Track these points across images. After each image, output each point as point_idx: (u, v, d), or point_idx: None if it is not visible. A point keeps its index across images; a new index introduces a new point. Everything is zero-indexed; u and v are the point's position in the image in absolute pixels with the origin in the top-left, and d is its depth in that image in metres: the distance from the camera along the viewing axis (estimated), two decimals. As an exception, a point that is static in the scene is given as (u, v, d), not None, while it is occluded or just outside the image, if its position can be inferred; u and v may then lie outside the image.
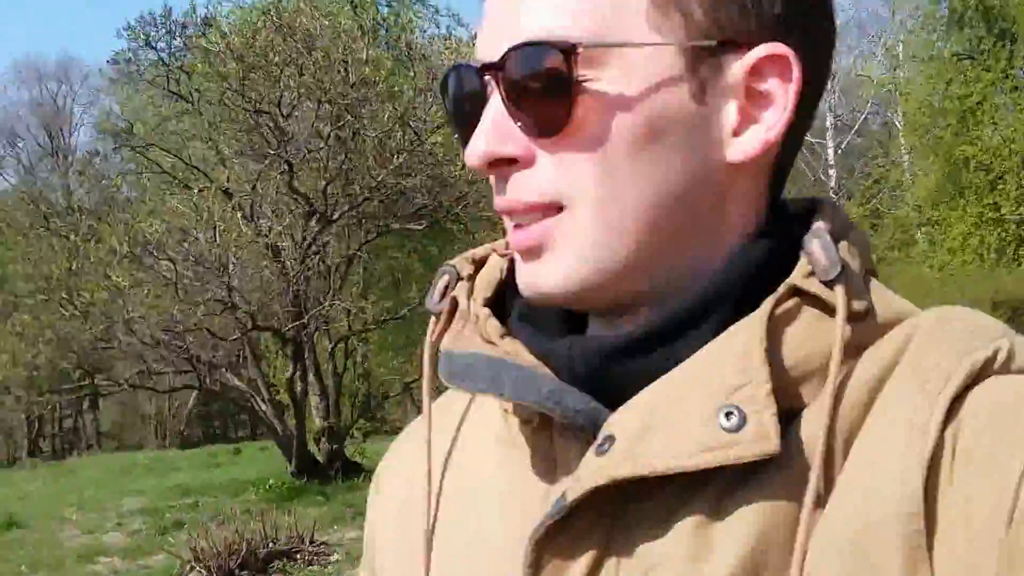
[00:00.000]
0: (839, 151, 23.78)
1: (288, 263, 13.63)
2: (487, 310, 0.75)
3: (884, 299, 0.68)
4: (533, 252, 0.69)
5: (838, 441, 0.63)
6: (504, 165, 0.69)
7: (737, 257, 0.69)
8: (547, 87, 0.66)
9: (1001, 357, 0.63)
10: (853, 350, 0.65)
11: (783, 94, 0.67)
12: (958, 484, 0.60)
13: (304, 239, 13.82)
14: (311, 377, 14.68)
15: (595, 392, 0.68)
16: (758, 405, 0.61)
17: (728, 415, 0.61)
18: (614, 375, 0.67)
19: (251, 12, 15.66)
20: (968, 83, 16.99)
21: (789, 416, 0.63)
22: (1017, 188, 16.45)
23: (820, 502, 0.62)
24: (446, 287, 0.79)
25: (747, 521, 0.62)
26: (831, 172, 23.58)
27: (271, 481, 14.20)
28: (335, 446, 14.32)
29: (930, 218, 18.86)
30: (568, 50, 0.65)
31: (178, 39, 17.35)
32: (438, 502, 0.78)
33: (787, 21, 0.68)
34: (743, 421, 0.61)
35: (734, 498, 0.63)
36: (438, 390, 0.80)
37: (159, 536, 11.80)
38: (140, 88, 18.67)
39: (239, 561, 9.40)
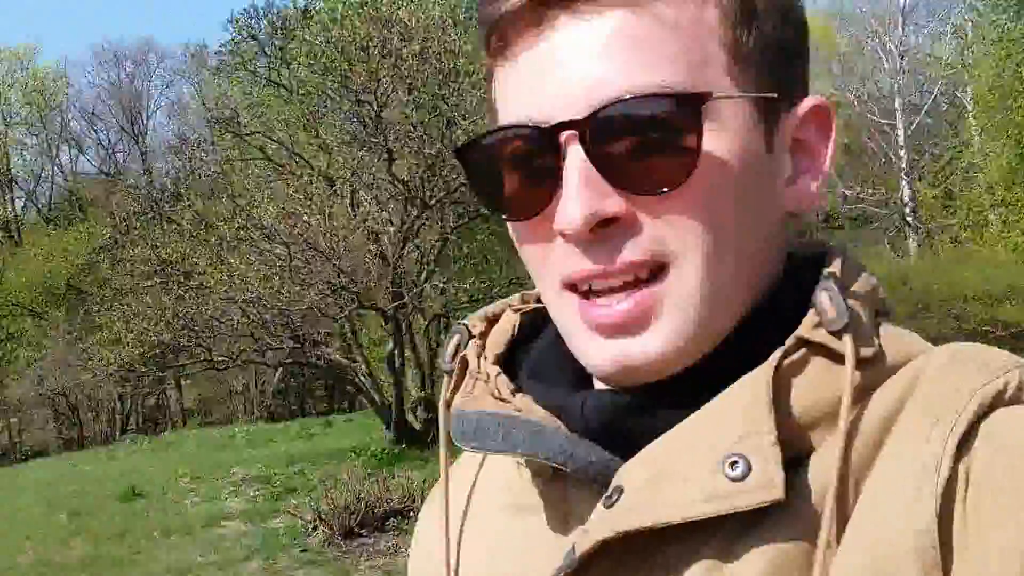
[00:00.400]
0: (908, 132, 23.97)
1: (388, 246, 14.47)
2: (497, 368, 0.76)
3: (893, 342, 0.68)
4: (635, 323, 0.67)
5: (850, 481, 0.63)
6: (603, 226, 0.66)
7: (760, 313, 0.70)
8: (665, 140, 0.65)
9: (1011, 389, 0.63)
10: (862, 393, 0.65)
11: (823, 144, 0.71)
12: (972, 516, 0.59)
13: (403, 223, 14.65)
14: (408, 352, 15.61)
15: (608, 445, 0.68)
16: (763, 454, 0.61)
17: (733, 464, 0.62)
18: (627, 429, 0.68)
19: (348, 4, 16.38)
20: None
21: (797, 461, 0.64)
22: None
23: (834, 541, 0.62)
24: (457, 346, 0.79)
25: (756, 564, 0.62)
26: (902, 153, 23.77)
27: (372, 448, 15.17)
28: (430, 415, 15.17)
29: (1003, 199, 19.10)
30: (696, 99, 0.65)
31: (279, 32, 18.17)
32: (457, 561, 0.80)
33: (805, 76, 0.72)
34: (748, 470, 0.61)
35: (742, 543, 0.63)
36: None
37: (275, 500, 12.72)
38: (241, 78, 19.59)
39: (358, 520, 10.26)
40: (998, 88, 18.95)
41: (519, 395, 0.73)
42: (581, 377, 0.73)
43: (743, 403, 0.64)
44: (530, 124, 0.67)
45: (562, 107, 0.66)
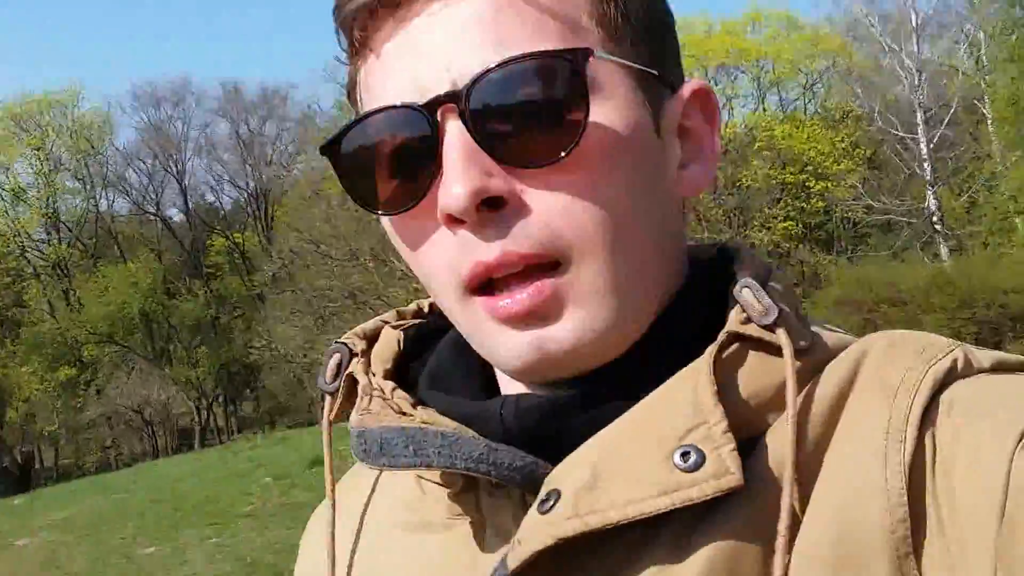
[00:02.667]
0: (932, 144, 25.12)
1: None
2: (391, 383, 0.72)
3: (823, 333, 0.68)
4: (539, 313, 0.63)
5: (805, 460, 0.61)
6: (491, 208, 0.62)
7: (676, 308, 0.67)
8: (549, 106, 0.61)
9: (960, 364, 0.62)
10: (806, 376, 0.63)
11: (708, 127, 0.69)
12: (942, 486, 0.58)
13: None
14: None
15: (530, 449, 0.64)
16: (716, 442, 0.59)
17: (684, 455, 0.59)
18: (552, 432, 0.64)
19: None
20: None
21: (748, 444, 0.62)
22: None
23: (795, 520, 0.59)
24: (339, 365, 0.75)
25: (709, 556, 0.59)
26: (925, 165, 24.94)
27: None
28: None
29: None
30: (579, 55, 0.61)
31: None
32: None
33: (679, 62, 0.70)
34: (701, 459, 0.59)
35: (693, 536, 0.60)
36: (341, 469, 0.76)
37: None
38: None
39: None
40: (1014, 106, 20.12)
41: (420, 408, 0.69)
42: (488, 387, 0.71)
43: (685, 395, 0.61)
44: (400, 104, 0.62)
45: (435, 83, 0.62)
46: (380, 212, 0.67)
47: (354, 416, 0.70)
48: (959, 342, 0.66)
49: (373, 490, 0.79)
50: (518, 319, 0.64)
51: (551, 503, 0.61)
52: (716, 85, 31.39)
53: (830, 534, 0.59)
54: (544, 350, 0.64)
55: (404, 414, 0.69)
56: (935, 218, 24.11)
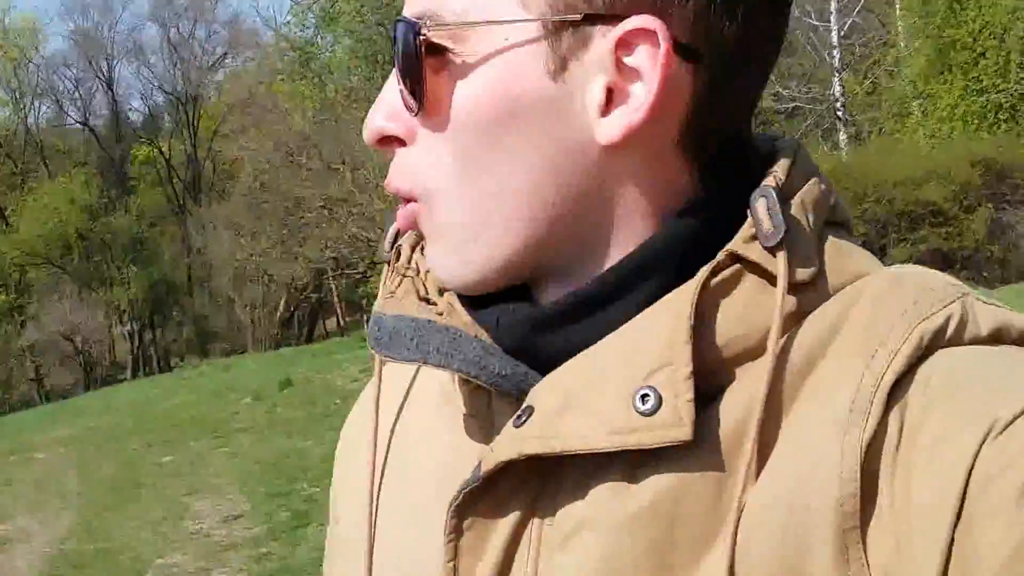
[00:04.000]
0: (842, 32, 26.01)
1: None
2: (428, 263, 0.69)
3: (840, 260, 0.63)
4: (421, 237, 0.68)
5: (771, 412, 0.59)
6: (393, 143, 0.67)
7: (669, 225, 0.64)
8: (411, 64, 0.64)
9: (953, 325, 0.58)
10: (794, 319, 0.60)
11: (652, 70, 0.61)
12: (900, 469, 0.56)
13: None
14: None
15: (527, 359, 0.65)
16: (676, 389, 0.58)
17: (644, 398, 0.59)
18: (540, 347, 0.64)
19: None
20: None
21: (715, 393, 0.60)
22: (995, 64, 18.87)
23: (751, 476, 0.58)
24: (397, 233, 0.74)
25: (658, 487, 0.60)
26: (835, 53, 25.86)
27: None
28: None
29: (923, 92, 21.34)
30: (416, 27, 0.63)
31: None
32: (384, 466, 0.77)
33: None
34: (658, 404, 0.58)
35: (648, 469, 0.60)
36: None
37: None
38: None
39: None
40: (920, -3, 21.09)
41: (447, 295, 0.68)
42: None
43: (663, 326, 0.59)
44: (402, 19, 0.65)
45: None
46: None
47: (379, 299, 0.71)
48: (965, 290, 0.61)
49: (416, 374, 0.80)
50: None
51: (524, 419, 0.62)
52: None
53: (782, 501, 0.57)
54: (434, 270, 0.68)
55: (427, 301, 0.68)
56: (838, 104, 25.14)
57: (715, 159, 0.65)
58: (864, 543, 0.56)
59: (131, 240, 35.38)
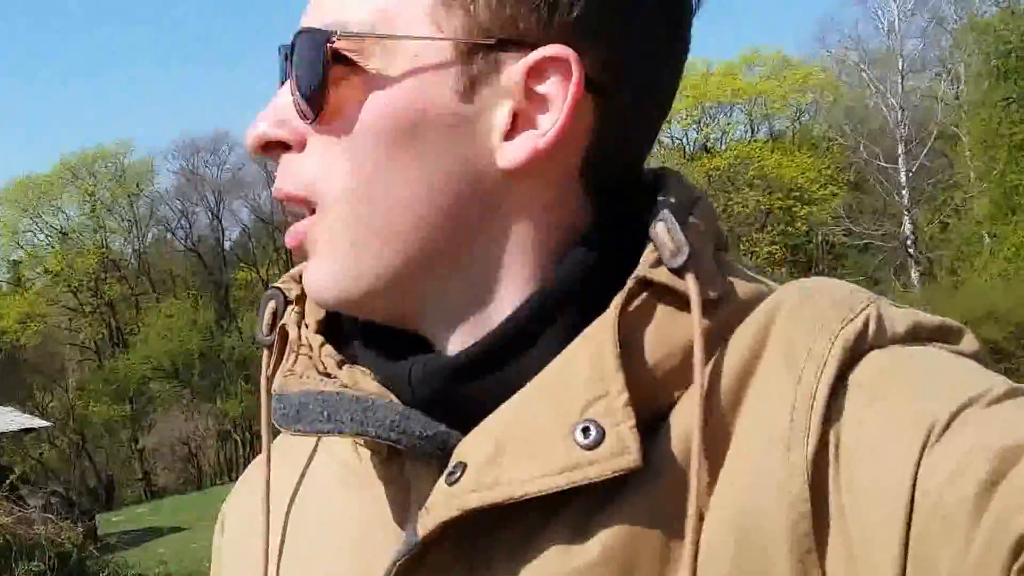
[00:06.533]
0: (910, 174, 27.63)
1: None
2: (320, 337, 0.69)
3: (740, 278, 0.64)
4: (301, 252, 0.66)
5: (711, 438, 0.58)
6: (278, 149, 0.66)
7: (568, 259, 0.63)
8: (313, 72, 0.63)
9: (872, 328, 0.59)
10: (716, 339, 0.60)
11: (561, 99, 0.62)
12: (845, 481, 0.55)
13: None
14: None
15: (446, 416, 0.63)
16: (615, 417, 0.57)
17: (585, 431, 0.57)
18: (460, 396, 0.62)
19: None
20: (1013, 123, 21.08)
21: (656, 418, 0.60)
22: None
23: (703, 504, 0.57)
24: (274, 314, 0.72)
25: (614, 534, 0.58)
26: (904, 193, 27.46)
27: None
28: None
29: (990, 232, 22.82)
30: (327, 39, 0.63)
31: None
32: (280, 549, 0.73)
33: (586, 25, 0.62)
34: (601, 436, 0.56)
35: (600, 513, 0.58)
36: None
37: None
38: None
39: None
40: (983, 144, 22.80)
41: (346, 367, 0.66)
42: (415, 339, 0.66)
43: (589, 359, 0.58)
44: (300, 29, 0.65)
45: (302, 21, 0.66)
46: None
47: (278, 378, 0.68)
48: (874, 296, 0.61)
49: (314, 449, 0.76)
50: (294, 252, 0.67)
51: (458, 475, 0.59)
52: (713, 121, 34.01)
53: (733, 522, 0.57)
54: (309, 287, 0.67)
55: (328, 375, 0.66)
56: (909, 242, 26.58)
57: (614, 189, 0.66)
58: (823, 566, 0.55)
59: (241, 357, 38.13)
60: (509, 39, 0.62)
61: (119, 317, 40.70)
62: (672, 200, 0.64)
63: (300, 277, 0.71)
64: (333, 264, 0.65)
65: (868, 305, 0.60)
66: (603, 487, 0.58)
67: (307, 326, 0.71)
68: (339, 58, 0.63)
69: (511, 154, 0.63)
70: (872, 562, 0.53)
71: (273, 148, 0.67)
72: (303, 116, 0.65)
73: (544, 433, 0.59)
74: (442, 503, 0.59)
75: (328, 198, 0.64)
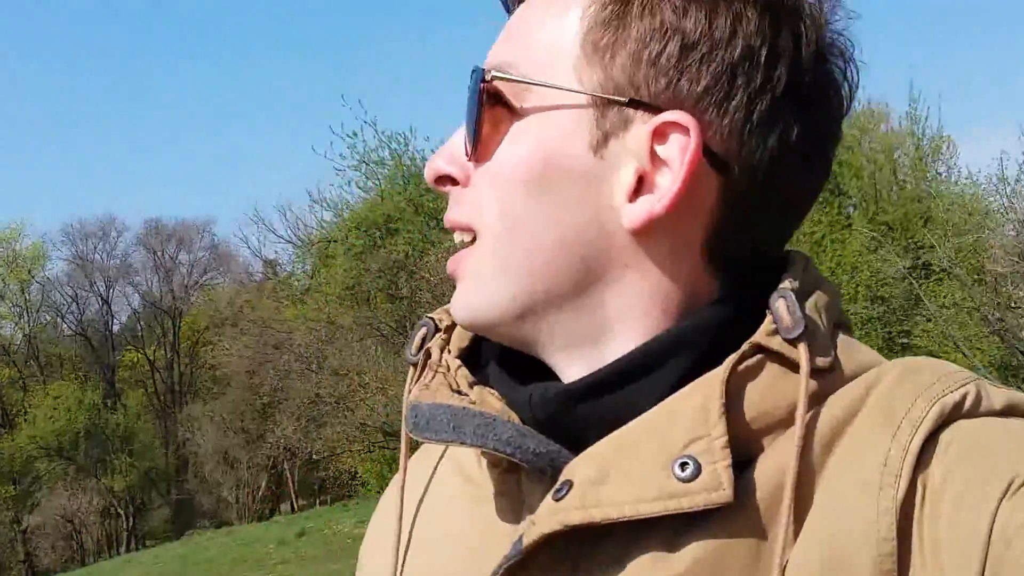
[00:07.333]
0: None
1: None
2: (458, 361, 0.76)
3: (850, 352, 0.69)
4: (454, 277, 0.74)
5: (803, 477, 0.63)
6: (448, 183, 0.73)
7: (691, 318, 0.69)
8: (473, 111, 0.69)
9: (969, 401, 0.63)
10: (816, 399, 0.65)
11: (680, 164, 0.66)
12: (928, 527, 0.60)
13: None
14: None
15: (558, 439, 0.69)
16: (713, 456, 0.62)
17: (683, 466, 0.62)
18: (570, 421, 0.69)
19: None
20: (813, 223, 24.56)
21: (747, 463, 0.64)
22: (849, 293, 23.31)
23: (789, 537, 0.62)
24: (423, 338, 0.80)
25: (697, 555, 0.63)
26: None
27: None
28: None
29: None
30: (482, 78, 0.69)
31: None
32: (407, 549, 0.79)
33: (710, 98, 0.67)
34: (698, 471, 0.62)
35: (687, 536, 0.64)
36: (416, 444, 0.79)
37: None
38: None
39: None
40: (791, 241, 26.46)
41: (477, 387, 0.73)
42: (539, 370, 0.73)
43: (695, 405, 0.64)
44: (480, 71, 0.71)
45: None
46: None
47: (414, 391, 0.75)
48: (976, 375, 0.65)
49: (439, 460, 0.84)
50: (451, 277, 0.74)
51: (564, 492, 0.65)
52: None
53: (820, 559, 0.61)
54: (453, 310, 0.74)
55: (459, 392, 0.73)
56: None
57: (738, 266, 0.71)
58: None
59: (125, 435, 39.33)
60: (639, 100, 0.68)
61: (6, 400, 41.47)
62: (796, 280, 0.69)
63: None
64: (476, 290, 0.72)
65: (970, 382, 0.65)
66: (693, 518, 0.64)
67: (450, 351, 0.78)
68: (492, 98, 0.70)
69: (632, 215, 0.68)
70: None
71: (444, 181, 0.74)
72: (465, 151, 0.72)
73: (646, 463, 0.64)
74: (547, 517, 0.65)
75: (483, 232, 0.71)
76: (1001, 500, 0.58)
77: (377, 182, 20.81)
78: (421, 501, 0.83)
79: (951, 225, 18.62)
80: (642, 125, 0.68)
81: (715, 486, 0.62)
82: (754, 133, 0.68)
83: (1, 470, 37.35)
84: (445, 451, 0.85)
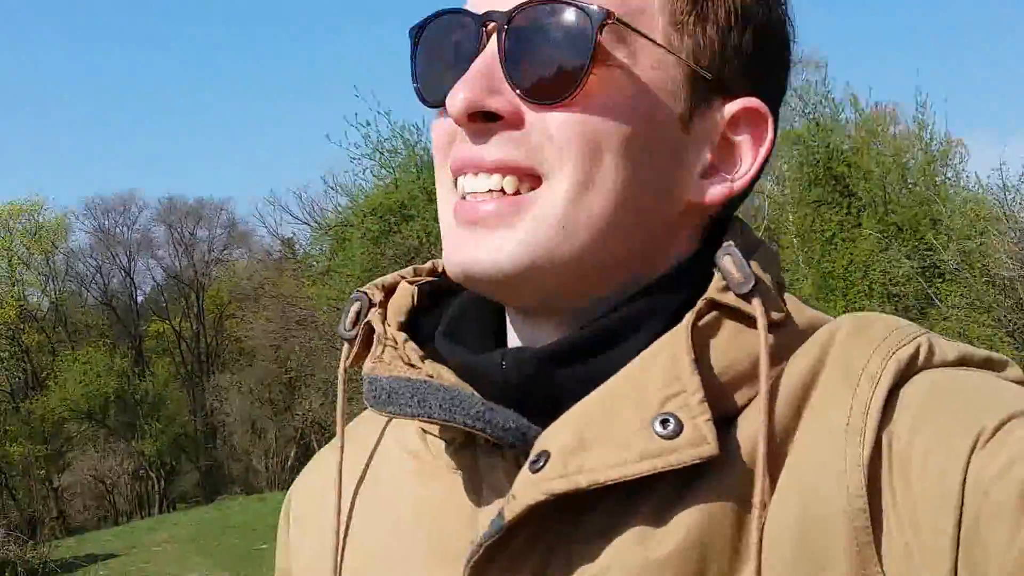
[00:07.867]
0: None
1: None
2: (404, 335, 0.75)
3: (799, 307, 0.71)
4: (491, 221, 0.68)
5: (776, 440, 0.64)
6: (482, 120, 0.68)
7: (668, 279, 0.70)
8: (563, 50, 0.64)
9: (923, 353, 0.66)
10: (778, 356, 0.67)
11: (752, 149, 0.70)
12: (899, 481, 0.61)
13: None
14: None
15: (523, 408, 0.68)
16: (693, 412, 0.62)
17: (664, 423, 0.62)
18: (547, 384, 0.68)
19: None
20: (824, 222, 25.49)
21: (725, 420, 0.65)
22: (862, 290, 23.90)
23: (767, 500, 0.62)
24: (358, 313, 0.78)
25: (688, 523, 0.63)
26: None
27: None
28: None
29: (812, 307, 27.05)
30: (602, 16, 0.64)
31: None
32: (347, 530, 0.77)
33: (776, 87, 0.71)
34: (680, 428, 0.62)
35: (675, 503, 0.64)
36: (349, 416, 0.78)
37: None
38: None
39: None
40: (801, 237, 27.01)
41: (428, 361, 0.72)
42: (496, 339, 0.74)
43: (664, 363, 0.64)
44: (464, 10, 0.69)
45: (498, 1, 0.68)
46: (428, 103, 0.72)
47: (368, 363, 0.74)
48: (926, 329, 0.67)
49: (381, 435, 0.82)
50: (469, 220, 0.69)
51: (541, 463, 0.64)
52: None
53: (796, 514, 0.62)
54: (475, 259, 0.68)
55: (412, 366, 0.71)
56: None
57: (718, 227, 0.74)
58: (880, 558, 0.61)
59: (154, 401, 40.59)
60: (722, 79, 0.70)
61: (36, 364, 42.71)
62: (738, 241, 0.71)
63: (385, 286, 0.80)
64: (533, 237, 0.68)
65: (921, 335, 0.67)
66: (678, 480, 0.64)
67: (389, 325, 0.76)
68: (608, 41, 0.66)
69: (707, 192, 0.70)
70: (928, 546, 0.60)
71: (477, 117, 0.68)
72: (542, 96, 0.67)
73: (625, 425, 0.64)
74: (528, 489, 0.64)
75: (559, 175, 0.67)
76: (971, 454, 0.60)
77: (391, 170, 21.43)
78: (362, 476, 0.81)
79: (956, 230, 19.31)
80: (722, 108, 0.71)
81: (699, 440, 0.63)
82: (778, 106, 0.75)
83: (33, 429, 38.63)
84: (384, 428, 0.84)
